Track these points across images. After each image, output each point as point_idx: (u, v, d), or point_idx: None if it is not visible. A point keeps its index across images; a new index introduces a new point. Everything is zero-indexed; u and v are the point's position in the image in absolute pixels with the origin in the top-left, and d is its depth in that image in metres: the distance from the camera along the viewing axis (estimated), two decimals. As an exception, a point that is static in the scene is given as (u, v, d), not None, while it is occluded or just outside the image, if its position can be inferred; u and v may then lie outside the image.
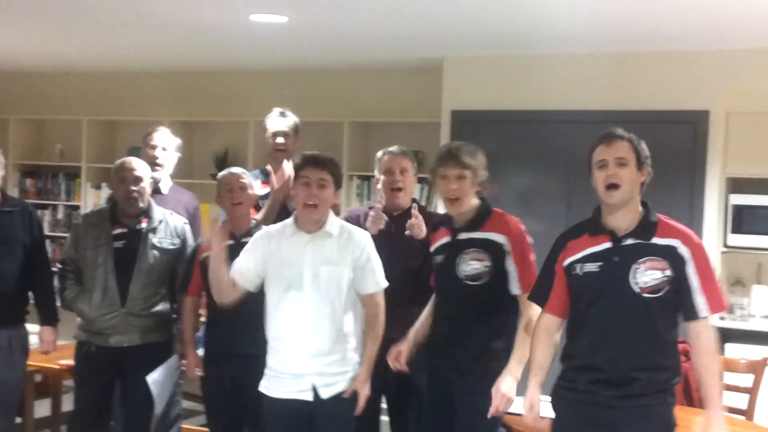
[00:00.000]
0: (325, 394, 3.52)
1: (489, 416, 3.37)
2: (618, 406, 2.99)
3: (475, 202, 3.56)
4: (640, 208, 3.09)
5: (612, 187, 3.01)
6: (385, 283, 3.64)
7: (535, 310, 3.40)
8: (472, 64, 6.18)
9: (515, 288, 3.49)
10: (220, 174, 4.25)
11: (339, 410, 3.55)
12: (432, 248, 3.69)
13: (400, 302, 3.72)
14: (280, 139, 4.69)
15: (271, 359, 3.62)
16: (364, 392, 3.56)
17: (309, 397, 3.52)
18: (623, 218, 3.06)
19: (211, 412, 4.28)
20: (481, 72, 6.19)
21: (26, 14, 5.37)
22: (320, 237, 3.56)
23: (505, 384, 3.36)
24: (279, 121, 4.71)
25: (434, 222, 3.81)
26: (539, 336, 3.22)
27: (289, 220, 3.66)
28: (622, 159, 3.03)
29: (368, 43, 5.84)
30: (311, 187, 3.52)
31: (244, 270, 3.63)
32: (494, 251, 3.49)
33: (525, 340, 3.37)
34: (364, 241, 3.62)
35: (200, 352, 4.30)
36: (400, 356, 3.64)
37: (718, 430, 2.98)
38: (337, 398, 3.54)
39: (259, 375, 3.93)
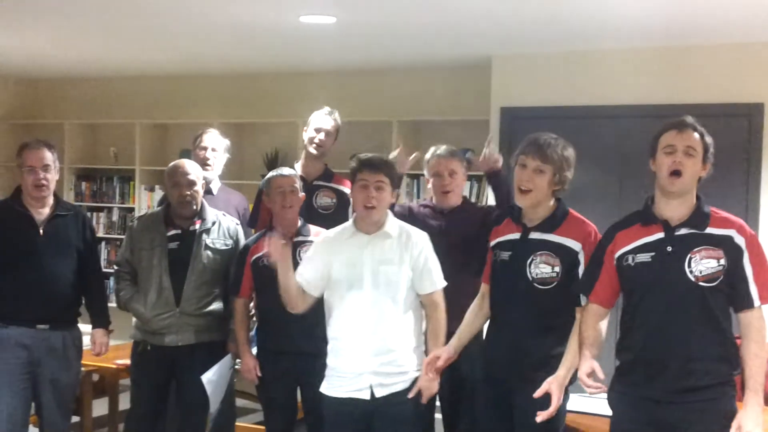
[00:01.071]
0: (380, 392, 3.52)
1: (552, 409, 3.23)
2: (678, 401, 2.93)
3: (551, 201, 3.43)
4: (695, 201, 3.03)
5: (675, 173, 2.96)
6: (444, 283, 3.64)
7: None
8: (521, 60, 6.15)
9: (583, 298, 3.30)
10: (271, 174, 4.26)
11: (397, 411, 3.53)
12: (494, 241, 3.54)
13: (454, 297, 3.69)
14: (321, 135, 4.71)
15: (332, 359, 3.65)
16: (429, 390, 3.54)
17: (366, 395, 3.53)
18: (677, 208, 3.01)
19: (267, 410, 4.32)
20: (530, 68, 6.15)
21: (81, 22, 5.47)
22: (379, 237, 3.59)
23: (556, 378, 3.24)
24: (325, 119, 4.73)
25: (499, 212, 3.74)
26: (587, 320, 3.16)
27: (348, 223, 3.70)
28: (691, 149, 2.98)
29: (416, 41, 5.83)
30: (369, 189, 3.54)
31: (310, 278, 3.66)
32: (566, 257, 3.35)
33: (575, 347, 3.26)
34: (422, 241, 3.63)
35: (253, 351, 4.34)
36: (436, 362, 3.52)
37: (753, 414, 2.89)
38: (395, 398, 3.52)
39: (312, 372, 3.97)
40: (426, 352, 3.62)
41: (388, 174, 3.58)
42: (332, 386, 3.63)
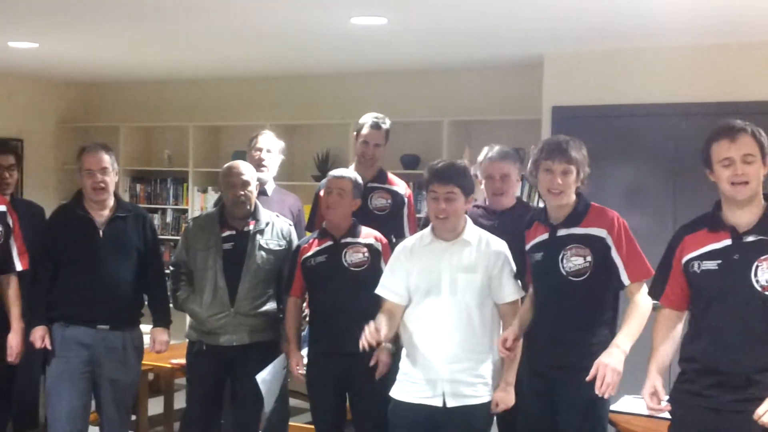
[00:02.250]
0: (452, 402, 3.52)
1: (597, 392, 3.21)
2: (739, 411, 2.86)
3: (573, 197, 3.50)
4: (764, 202, 2.97)
5: (739, 183, 2.91)
6: (522, 293, 3.63)
7: (643, 296, 3.36)
8: (574, 59, 6.10)
9: (624, 279, 3.39)
10: (330, 173, 4.31)
11: (468, 423, 3.53)
12: (528, 245, 3.62)
13: None
14: (368, 150, 4.73)
15: (406, 364, 3.66)
16: (505, 402, 3.54)
17: (438, 403, 3.54)
18: (746, 214, 2.96)
19: (315, 411, 4.34)
20: (583, 67, 6.10)
21: (136, 27, 5.56)
22: (458, 245, 3.60)
23: (610, 357, 3.22)
24: (372, 132, 4.73)
25: (529, 218, 3.75)
26: (660, 325, 3.15)
27: (427, 229, 3.71)
28: (749, 156, 2.92)
29: (467, 41, 5.82)
30: (439, 201, 3.55)
31: (394, 288, 3.69)
32: (596, 246, 3.42)
33: (634, 316, 3.30)
34: (501, 249, 3.63)
35: (305, 351, 4.38)
36: (505, 342, 3.53)
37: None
38: (468, 410, 3.52)
39: (362, 374, 3.98)
40: (495, 364, 3.62)
41: (459, 183, 3.56)
42: (404, 391, 3.63)
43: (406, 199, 4.79)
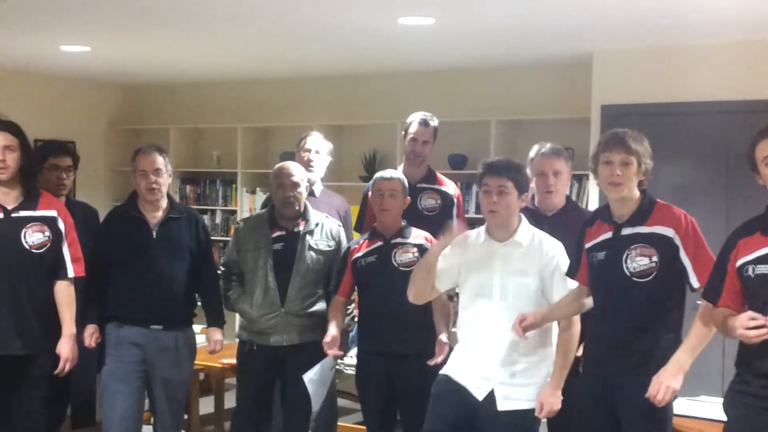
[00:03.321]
0: (503, 406, 3.49)
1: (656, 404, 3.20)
2: None
3: (637, 193, 3.41)
4: None
5: None
6: None
7: None
8: (623, 56, 6.03)
9: (694, 282, 3.29)
10: (376, 175, 4.31)
11: (512, 426, 3.49)
12: (589, 244, 3.51)
13: None
14: (417, 147, 4.73)
15: (460, 347, 3.65)
16: (551, 406, 3.48)
17: (480, 396, 3.51)
18: None
19: (365, 411, 4.36)
20: (633, 65, 6.03)
21: (185, 30, 5.62)
22: (511, 246, 3.55)
23: (668, 372, 3.19)
24: (420, 129, 4.73)
25: (591, 215, 3.69)
26: (708, 319, 3.10)
27: (483, 227, 3.67)
28: None
29: (515, 39, 5.79)
30: (491, 195, 3.51)
31: (441, 273, 3.67)
32: (662, 246, 3.32)
33: (699, 330, 3.20)
34: (554, 249, 3.57)
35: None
36: (523, 321, 3.45)
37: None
38: (517, 415, 3.48)
39: (411, 374, 3.98)
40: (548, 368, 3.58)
41: (513, 178, 3.51)
42: (455, 368, 3.62)
43: (455, 200, 4.78)
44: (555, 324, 3.61)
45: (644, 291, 3.33)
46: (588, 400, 3.53)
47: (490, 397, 3.51)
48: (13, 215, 3.96)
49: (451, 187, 4.81)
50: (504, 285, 3.51)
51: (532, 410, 3.52)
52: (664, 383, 3.16)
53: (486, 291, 3.53)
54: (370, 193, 4.36)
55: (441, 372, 3.67)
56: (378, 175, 4.30)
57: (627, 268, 3.35)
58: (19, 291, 3.96)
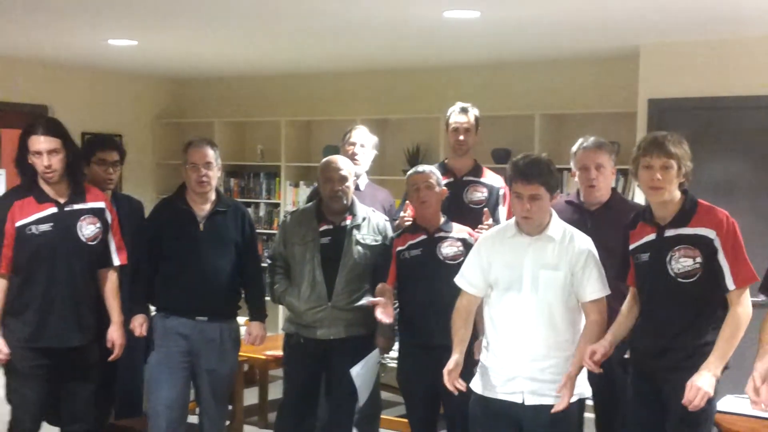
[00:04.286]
0: (531, 401, 3.47)
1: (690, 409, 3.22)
2: None
3: (678, 195, 3.42)
4: None
5: None
6: (607, 292, 3.53)
7: (744, 306, 3.28)
8: (671, 50, 5.96)
9: (729, 284, 3.31)
10: (409, 173, 4.35)
11: (551, 422, 3.46)
12: (633, 246, 3.53)
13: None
14: (462, 136, 4.72)
15: (486, 357, 3.63)
16: (564, 399, 3.44)
17: (518, 399, 3.49)
18: None
19: (409, 404, 4.37)
20: (680, 58, 5.96)
21: (231, 23, 5.65)
22: (542, 240, 3.52)
23: (702, 379, 3.22)
24: (460, 118, 4.74)
25: (632, 217, 3.66)
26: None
27: (511, 221, 3.65)
28: None
29: (560, 33, 5.75)
30: (524, 202, 3.48)
31: (473, 279, 3.66)
32: (704, 247, 3.34)
33: (729, 337, 3.25)
34: (585, 245, 3.54)
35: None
36: (593, 356, 3.46)
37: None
38: (547, 410, 3.45)
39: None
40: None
41: (543, 182, 3.46)
42: (483, 384, 3.61)
43: (502, 192, 4.76)
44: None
45: (689, 291, 3.36)
46: (635, 398, 3.55)
47: (521, 395, 3.49)
48: (66, 209, 4.06)
49: (497, 180, 4.80)
50: (535, 278, 3.48)
51: (571, 404, 3.45)
52: (702, 390, 3.20)
53: (515, 285, 3.50)
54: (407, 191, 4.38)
55: (471, 387, 3.63)
56: (410, 171, 4.35)
57: (671, 269, 3.37)
58: (77, 283, 4.09)
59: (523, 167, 3.48)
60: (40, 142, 3.96)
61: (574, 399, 3.47)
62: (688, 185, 3.45)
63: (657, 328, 3.43)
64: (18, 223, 3.98)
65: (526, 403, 3.47)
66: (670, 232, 3.41)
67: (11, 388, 4.09)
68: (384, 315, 4.07)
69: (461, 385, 3.53)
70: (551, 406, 3.44)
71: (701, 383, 3.21)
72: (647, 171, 3.39)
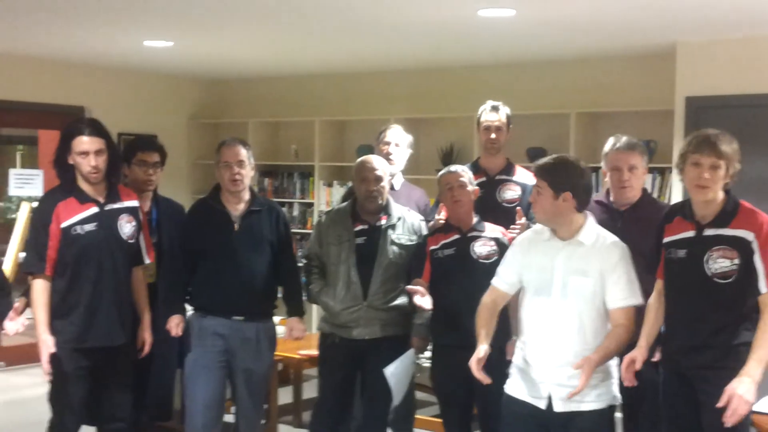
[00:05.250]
0: (560, 407, 3.42)
1: (725, 421, 3.20)
2: None
3: (721, 194, 3.39)
4: None
5: None
6: (636, 301, 3.45)
7: None
8: (708, 47, 5.90)
9: (762, 287, 3.29)
10: (441, 173, 4.34)
11: (578, 429, 3.42)
12: (667, 240, 3.49)
13: None
14: (494, 135, 4.70)
15: (517, 359, 3.61)
16: (581, 381, 3.32)
17: (542, 405, 3.45)
18: None
19: (443, 404, 4.37)
20: (718, 55, 5.90)
21: (266, 24, 5.68)
22: (573, 245, 3.46)
23: (742, 386, 3.19)
24: (491, 116, 4.72)
25: (669, 211, 3.64)
26: None
27: None
28: None
29: (596, 31, 5.71)
30: (534, 194, 3.51)
31: (505, 275, 3.65)
32: (742, 248, 3.31)
33: (766, 340, 3.22)
34: (617, 251, 3.46)
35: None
36: (633, 365, 3.42)
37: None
38: (576, 416, 3.40)
39: (491, 366, 3.95)
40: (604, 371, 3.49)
41: (546, 178, 3.43)
42: (513, 386, 3.59)
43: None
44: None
45: (724, 292, 3.33)
46: (669, 398, 3.53)
47: (548, 401, 3.44)
48: (106, 208, 4.10)
49: (530, 178, 4.75)
50: (564, 283, 3.43)
51: (594, 412, 3.41)
52: (742, 397, 3.18)
53: (545, 289, 3.46)
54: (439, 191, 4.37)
55: (504, 388, 3.62)
56: (443, 171, 4.34)
57: (708, 268, 3.35)
58: (120, 281, 4.16)
59: (539, 162, 3.56)
60: (87, 143, 4.01)
61: (603, 405, 3.43)
62: (732, 185, 3.41)
63: (690, 326, 3.40)
64: (63, 224, 4.02)
65: (555, 410, 3.42)
66: (709, 232, 3.38)
67: (55, 389, 4.11)
68: (423, 302, 4.06)
69: (486, 378, 3.51)
70: (581, 413, 3.39)
71: (742, 391, 3.18)
72: (695, 168, 3.35)
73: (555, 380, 3.42)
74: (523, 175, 4.76)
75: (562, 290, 3.43)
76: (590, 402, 3.41)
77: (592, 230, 3.50)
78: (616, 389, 3.52)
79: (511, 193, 4.69)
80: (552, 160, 3.54)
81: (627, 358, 3.41)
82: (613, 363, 3.50)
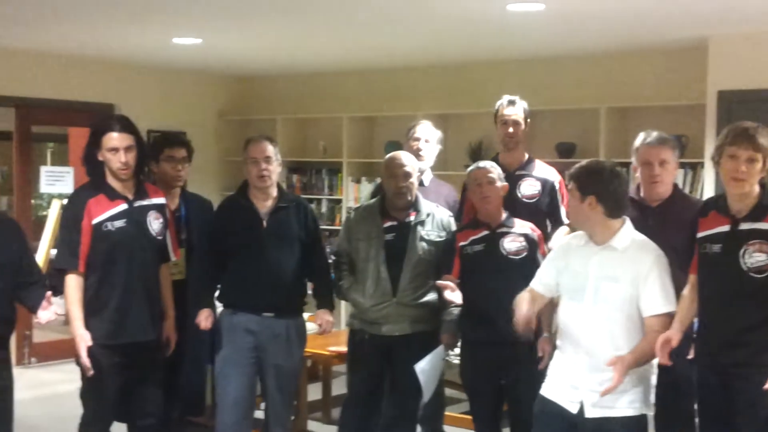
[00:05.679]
0: (591, 413, 3.37)
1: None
2: None
3: (757, 188, 3.34)
4: None
5: None
6: (671, 308, 3.40)
7: None
8: (741, 41, 5.83)
9: None
10: (469, 168, 4.32)
11: None
12: (702, 234, 3.45)
13: None
14: (512, 129, 4.66)
15: (555, 360, 3.59)
16: (614, 378, 3.27)
17: (573, 409, 3.41)
18: None
19: (472, 400, 4.35)
20: (750, 49, 5.83)
21: (295, 20, 5.69)
22: (607, 250, 3.42)
23: None
24: (508, 110, 4.67)
25: (704, 205, 3.59)
26: None
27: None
28: None
29: (627, 25, 5.66)
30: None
31: (543, 277, 3.64)
32: None
33: None
34: (651, 257, 3.40)
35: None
36: (669, 343, 3.34)
37: None
38: (609, 423, 3.36)
39: (518, 361, 3.94)
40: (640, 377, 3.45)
41: (574, 180, 3.43)
42: (548, 387, 3.56)
43: (557, 185, 4.67)
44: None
45: (759, 286, 3.29)
46: (703, 395, 3.49)
47: (580, 405, 3.40)
48: (135, 204, 4.12)
49: (550, 173, 4.71)
50: (597, 289, 3.39)
51: (627, 419, 3.36)
52: None
53: (579, 294, 3.43)
54: (467, 186, 4.36)
55: (540, 390, 3.59)
56: (472, 166, 4.31)
57: (744, 263, 3.30)
58: (149, 277, 4.17)
59: (580, 167, 3.51)
60: (117, 139, 4.03)
61: (636, 413, 3.38)
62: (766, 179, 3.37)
63: (725, 322, 3.36)
64: (94, 221, 4.04)
65: (587, 415, 3.38)
66: (745, 226, 3.33)
67: (88, 386, 4.14)
68: (454, 297, 4.03)
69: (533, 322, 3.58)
70: (612, 419, 3.34)
71: None
72: (732, 161, 3.31)
73: (588, 385, 3.38)
74: (543, 170, 4.70)
75: (594, 296, 3.39)
76: (622, 408, 3.36)
77: (627, 235, 3.45)
78: (649, 398, 3.46)
79: (530, 188, 4.61)
80: (584, 163, 3.51)
81: (662, 337, 3.33)
82: (648, 372, 3.45)
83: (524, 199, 4.60)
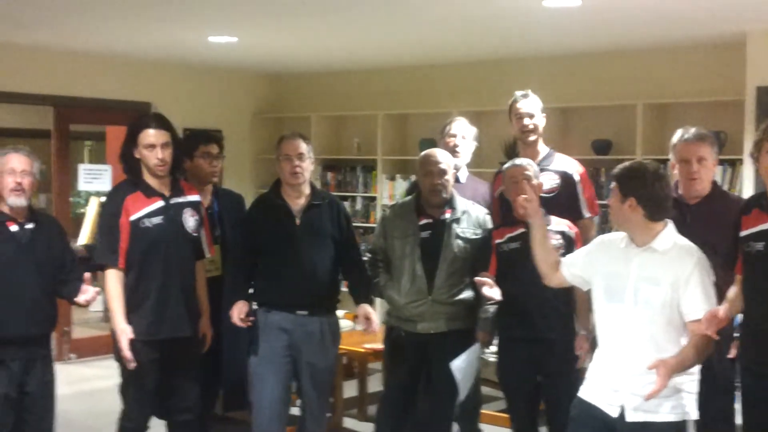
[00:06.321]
0: (632, 417, 3.31)
1: None
2: None
3: None
4: None
5: None
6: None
7: None
8: (780, 36, 5.77)
9: None
10: (505, 166, 4.30)
11: None
12: (745, 232, 3.38)
13: None
14: (527, 120, 4.63)
15: (594, 363, 3.53)
16: (657, 382, 3.18)
17: (614, 413, 3.34)
18: None
19: (509, 398, 4.34)
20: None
21: (331, 18, 5.69)
22: (648, 252, 3.35)
23: None
24: (521, 104, 4.65)
25: (746, 203, 3.53)
26: None
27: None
28: None
29: (664, 20, 5.60)
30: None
31: (571, 264, 3.61)
32: None
33: None
34: (692, 261, 3.31)
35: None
36: (716, 315, 3.20)
37: None
38: (646, 426, 3.29)
39: (555, 358, 3.91)
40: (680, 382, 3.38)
41: (618, 180, 3.36)
42: (588, 389, 3.49)
43: (578, 177, 4.62)
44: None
45: None
46: (747, 399, 3.44)
47: (620, 409, 3.34)
48: (171, 201, 4.15)
49: (571, 166, 4.65)
50: (636, 290, 3.32)
51: (668, 424, 3.30)
52: None
53: (618, 295, 3.37)
54: (502, 184, 4.34)
55: (579, 392, 3.53)
56: (508, 164, 4.30)
57: None
58: (186, 274, 4.22)
59: (621, 170, 3.46)
60: (154, 136, 4.08)
61: (677, 418, 3.31)
62: None
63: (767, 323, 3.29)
64: (132, 217, 4.08)
65: (627, 420, 3.32)
66: None
67: (128, 382, 4.18)
68: (492, 293, 4.01)
69: None
70: (653, 424, 3.28)
71: None
72: None
73: (629, 389, 3.31)
74: (562, 163, 4.64)
75: (634, 298, 3.33)
76: (665, 413, 3.29)
77: (668, 238, 3.38)
78: (691, 404, 3.37)
79: (549, 182, 4.55)
80: (627, 164, 3.45)
81: (709, 312, 3.22)
82: (690, 378, 3.37)
83: (543, 193, 4.56)
